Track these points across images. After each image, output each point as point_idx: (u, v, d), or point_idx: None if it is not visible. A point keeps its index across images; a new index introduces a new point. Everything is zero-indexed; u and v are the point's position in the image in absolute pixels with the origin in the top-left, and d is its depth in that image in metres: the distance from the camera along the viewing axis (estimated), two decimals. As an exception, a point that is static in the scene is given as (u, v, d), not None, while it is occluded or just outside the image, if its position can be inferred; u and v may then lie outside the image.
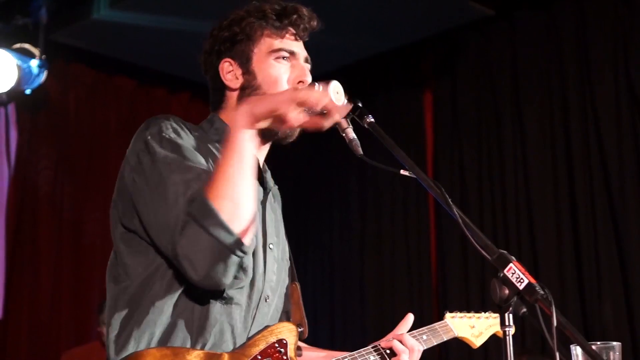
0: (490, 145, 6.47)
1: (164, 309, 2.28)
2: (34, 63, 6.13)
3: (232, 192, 2.17)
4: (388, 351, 2.64)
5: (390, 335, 2.70)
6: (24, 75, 6.12)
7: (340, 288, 7.26)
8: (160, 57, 7.05)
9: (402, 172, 2.16)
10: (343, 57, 6.83)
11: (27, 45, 6.18)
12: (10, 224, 6.48)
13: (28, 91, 6.29)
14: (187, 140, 2.37)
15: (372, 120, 2.26)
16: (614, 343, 2.16)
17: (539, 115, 6.22)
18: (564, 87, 6.10)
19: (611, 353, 2.15)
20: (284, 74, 2.52)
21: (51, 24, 6.27)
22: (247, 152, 2.24)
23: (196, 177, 2.24)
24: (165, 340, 2.27)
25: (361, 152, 2.23)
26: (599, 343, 2.14)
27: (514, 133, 6.32)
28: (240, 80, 2.54)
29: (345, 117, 2.27)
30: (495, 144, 6.44)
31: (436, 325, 2.93)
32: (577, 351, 2.14)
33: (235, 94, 2.55)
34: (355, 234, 7.24)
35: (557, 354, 1.78)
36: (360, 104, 2.29)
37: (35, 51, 6.16)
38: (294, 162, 7.12)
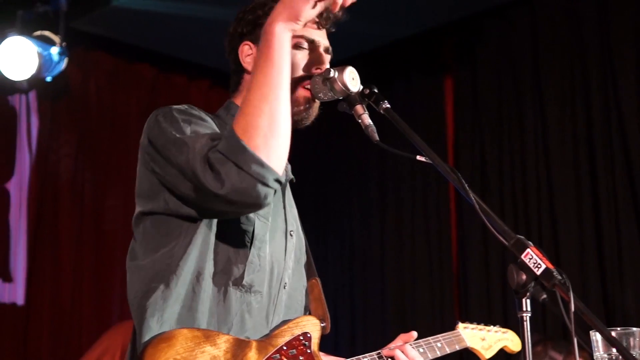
0: (511, 130, 6.42)
1: (185, 293, 2.26)
2: (55, 50, 6.14)
3: (269, 112, 2.11)
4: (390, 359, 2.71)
5: (392, 344, 2.77)
6: (45, 63, 6.13)
7: (360, 277, 7.22)
8: (181, 45, 7.06)
9: (418, 157, 2.15)
10: (363, 44, 6.82)
11: (47, 33, 6.18)
12: (31, 211, 6.52)
13: (49, 79, 6.29)
14: (201, 116, 2.33)
15: (388, 106, 2.23)
16: (634, 329, 2.15)
17: (560, 101, 6.17)
18: (586, 71, 6.05)
19: (631, 339, 2.15)
20: (301, 61, 2.48)
21: (71, 12, 6.27)
22: (285, 57, 2.19)
23: (213, 130, 2.23)
24: (190, 323, 2.25)
25: (377, 138, 2.20)
26: (619, 329, 2.13)
27: (535, 118, 6.27)
28: None
29: (361, 104, 2.25)
30: (516, 129, 6.39)
31: (450, 334, 3.04)
32: (596, 337, 2.13)
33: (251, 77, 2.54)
34: (375, 222, 7.20)
35: (576, 339, 1.78)
36: (376, 90, 2.26)
37: (56, 39, 6.17)
38: (313, 150, 7.10)
